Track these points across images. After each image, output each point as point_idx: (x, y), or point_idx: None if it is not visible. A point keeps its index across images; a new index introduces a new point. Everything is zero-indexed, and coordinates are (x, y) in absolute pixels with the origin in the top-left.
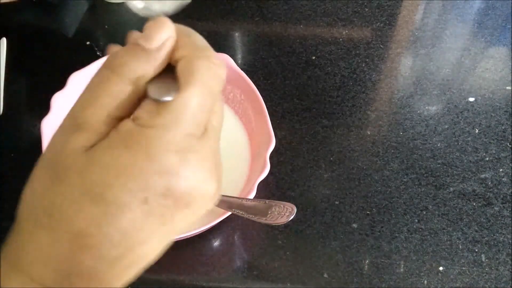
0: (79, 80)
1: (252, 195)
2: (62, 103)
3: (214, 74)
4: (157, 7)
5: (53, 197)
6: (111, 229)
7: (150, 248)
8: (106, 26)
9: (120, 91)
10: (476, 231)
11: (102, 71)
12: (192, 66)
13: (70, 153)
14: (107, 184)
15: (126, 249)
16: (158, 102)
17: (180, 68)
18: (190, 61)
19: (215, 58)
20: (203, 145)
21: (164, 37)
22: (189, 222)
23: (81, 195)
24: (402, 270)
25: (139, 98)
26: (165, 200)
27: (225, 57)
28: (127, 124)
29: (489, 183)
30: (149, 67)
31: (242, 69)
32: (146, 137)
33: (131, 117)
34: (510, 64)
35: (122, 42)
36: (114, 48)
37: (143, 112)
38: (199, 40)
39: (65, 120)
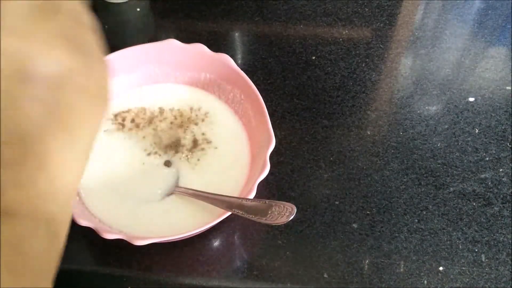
0: None
1: (252, 195)
2: None
3: None
4: None
5: None
6: None
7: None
8: (106, 26)
9: None
10: (476, 231)
11: None
12: None
13: None
14: None
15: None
16: None
17: None
18: None
19: None
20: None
21: None
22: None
23: None
24: (402, 270)
25: None
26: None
27: (225, 57)
28: None
29: (489, 183)
30: None
31: (242, 69)
32: None
33: None
34: (510, 64)
35: (122, 41)
36: None
37: None
38: None
39: None
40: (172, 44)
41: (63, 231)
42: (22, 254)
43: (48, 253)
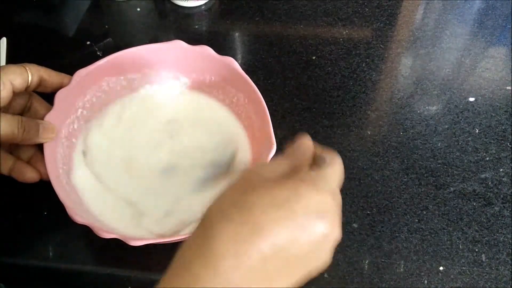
0: (83, 77)
1: None
2: (65, 100)
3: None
4: None
5: (244, 201)
6: (283, 228)
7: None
8: (107, 26)
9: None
10: (476, 231)
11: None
12: (332, 155)
13: (260, 181)
14: (288, 199)
15: (289, 245)
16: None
17: (328, 155)
18: (330, 153)
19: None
20: (338, 192)
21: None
22: None
23: (267, 203)
24: (402, 270)
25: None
26: (320, 217)
27: (230, 60)
28: (304, 173)
29: (490, 183)
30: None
31: (242, 69)
32: (314, 180)
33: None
34: (510, 64)
35: (122, 41)
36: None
37: (314, 170)
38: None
39: (252, 173)
40: (178, 45)
41: None
42: None
43: None
